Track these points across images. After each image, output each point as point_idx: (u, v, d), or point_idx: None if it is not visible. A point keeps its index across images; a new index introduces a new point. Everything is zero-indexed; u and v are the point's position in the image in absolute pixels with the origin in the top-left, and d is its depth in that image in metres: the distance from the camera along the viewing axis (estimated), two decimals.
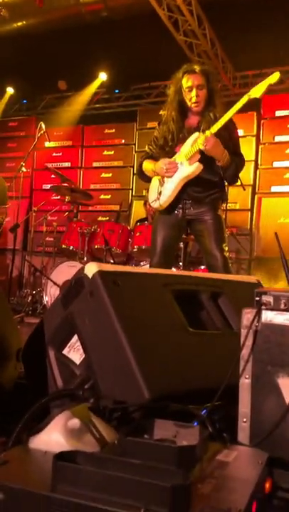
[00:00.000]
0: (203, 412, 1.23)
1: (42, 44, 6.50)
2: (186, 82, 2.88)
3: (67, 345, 1.46)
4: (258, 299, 1.21)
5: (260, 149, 5.97)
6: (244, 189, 4.61)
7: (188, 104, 2.93)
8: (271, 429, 1.12)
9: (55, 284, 5.00)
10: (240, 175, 4.20)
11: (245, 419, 1.18)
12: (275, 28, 5.62)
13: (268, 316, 1.18)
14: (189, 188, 2.97)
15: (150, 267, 3.06)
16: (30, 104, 7.90)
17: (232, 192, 4.99)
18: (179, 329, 1.42)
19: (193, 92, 2.87)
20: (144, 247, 5.10)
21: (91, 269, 1.37)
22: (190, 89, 2.88)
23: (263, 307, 1.20)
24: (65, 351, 1.47)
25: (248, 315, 1.19)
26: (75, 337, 1.43)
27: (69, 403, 1.29)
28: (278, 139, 5.86)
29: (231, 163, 2.91)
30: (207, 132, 2.79)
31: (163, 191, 3.01)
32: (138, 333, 1.29)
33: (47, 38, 6.50)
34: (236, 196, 5.66)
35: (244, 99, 2.72)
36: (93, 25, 6.41)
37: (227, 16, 5.81)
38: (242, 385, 1.18)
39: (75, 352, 1.44)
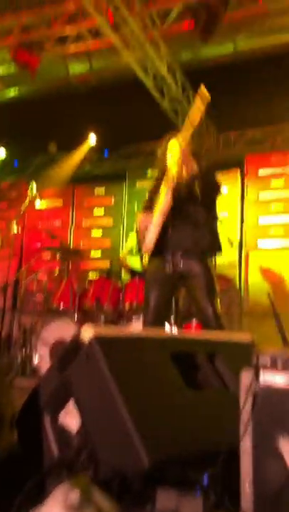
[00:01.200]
0: (205, 478, 1.21)
1: (33, 109, 6.76)
2: (169, 150, 3.02)
3: (64, 411, 1.44)
4: (256, 360, 1.22)
5: (245, 206, 6.14)
6: (231, 245, 4.72)
7: (171, 171, 3.07)
8: (274, 497, 1.09)
9: (45, 344, 4.93)
10: (227, 231, 4.28)
11: (248, 485, 1.15)
12: (254, 92, 5.95)
13: (267, 377, 1.19)
14: (178, 242, 2.97)
15: (144, 324, 3.04)
16: (22, 165, 8.10)
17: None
18: (178, 392, 1.41)
19: (175, 160, 2.99)
20: (135, 303, 5.09)
21: (87, 333, 1.38)
22: (171, 157, 3.00)
23: (261, 368, 1.21)
24: (61, 417, 1.45)
25: (246, 377, 1.20)
26: (72, 402, 1.41)
27: (66, 473, 1.26)
28: (262, 196, 6.05)
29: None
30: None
31: (147, 235, 3.02)
32: (136, 398, 1.28)
33: (38, 103, 6.78)
34: (224, 252, 5.74)
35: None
36: (83, 92, 6.73)
37: (209, 82, 6.11)
38: (243, 449, 1.17)
39: (71, 418, 1.42)
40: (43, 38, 5.24)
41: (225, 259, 5.87)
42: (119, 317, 5.50)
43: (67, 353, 1.44)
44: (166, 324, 4.27)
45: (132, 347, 1.43)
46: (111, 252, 6.80)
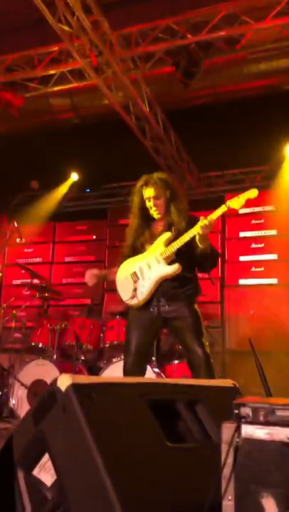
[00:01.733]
0: None
1: (16, 146, 6.81)
2: (144, 193, 3.07)
3: (38, 465, 1.37)
4: (237, 411, 1.19)
5: (225, 244, 6.19)
6: (213, 283, 4.72)
7: (150, 212, 3.09)
8: None
9: (22, 384, 4.80)
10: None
11: None
12: (233, 134, 6.10)
13: (248, 430, 1.15)
14: (164, 285, 2.98)
15: (124, 366, 2.99)
16: (3, 202, 8.09)
17: (202, 285, 5.08)
18: (157, 444, 1.36)
19: (151, 202, 3.04)
20: (116, 342, 5.03)
21: (64, 381, 1.33)
22: (148, 199, 3.06)
23: (243, 420, 1.18)
24: (35, 472, 1.38)
25: (227, 430, 1.16)
26: (46, 456, 1.34)
27: None
28: (243, 234, 6.12)
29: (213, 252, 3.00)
30: (205, 221, 2.86)
31: (139, 288, 3.02)
32: (114, 453, 1.23)
33: (21, 141, 6.84)
34: (206, 289, 5.74)
35: (223, 209, 2.89)
36: (65, 131, 6.82)
37: (190, 123, 6.30)
38: (225, 507, 1.12)
39: (45, 472, 1.35)
40: (26, 79, 5.32)
41: (206, 297, 5.87)
42: (100, 356, 5.40)
43: (42, 403, 1.38)
44: (148, 367, 4.21)
45: (111, 395, 1.38)
46: (91, 289, 6.74)
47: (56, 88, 5.56)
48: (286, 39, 4.79)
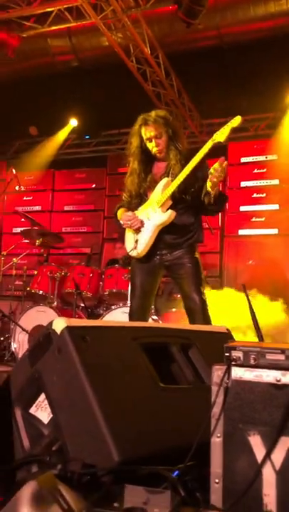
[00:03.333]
0: (175, 473, 1.20)
1: (14, 91, 6.61)
2: (144, 133, 2.92)
3: (35, 404, 1.42)
4: (227, 354, 1.21)
5: (227, 194, 6.12)
6: (212, 233, 4.71)
7: (152, 153, 2.98)
8: (243, 492, 1.09)
9: (23, 330, 4.89)
10: (209, 218, 4.25)
11: (217, 480, 1.15)
12: (237, 79, 5.90)
13: (238, 372, 1.18)
14: (165, 236, 2.96)
15: (130, 310, 3.05)
16: (1, 148, 7.94)
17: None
18: (150, 385, 1.40)
19: (153, 143, 2.91)
20: (114, 290, 5.08)
21: (59, 324, 1.35)
22: (149, 140, 2.92)
23: (233, 363, 1.20)
24: (32, 410, 1.42)
25: (218, 372, 1.19)
26: (43, 395, 1.39)
27: (37, 467, 1.24)
28: (244, 184, 6.04)
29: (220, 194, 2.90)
30: (173, 184, 2.80)
31: (139, 240, 3.01)
32: (107, 392, 1.26)
33: (19, 85, 6.63)
34: (205, 239, 5.74)
35: (209, 144, 2.78)
36: (64, 74, 6.60)
37: (193, 67, 6.07)
38: (213, 444, 1.16)
39: (42, 411, 1.39)
40: (22, 17, 5.08)
41: (206, 247, 5.88)
42: (99, 303, 5.48)
43: (38, 344, 1.41)
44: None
45: (105, 338, 1.41)
46: (91, 237, 6.75)
47: (54, 28, 5.33)
48: None
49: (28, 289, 5.45)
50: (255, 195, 5.98)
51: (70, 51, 6.27)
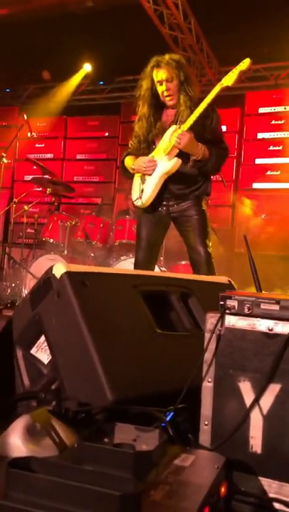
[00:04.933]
0: (169, 415, 1.25)
1: (26, 33, 6.40)
2: (156, 76, 2.82)
3: (35, 345, 1.46)
4: (222, 303, 1.22)
5: (242, 146, 5.99)
6: (225, 185, 4.65)
7: (162, 98, 2.89)
8: (231, 433, 1.13)
9: (34, 277, 4.97)
10: (222, 170, 4.17)
11: (206, 422, 1.19)
12: (259, 25, 5.62)
13: (231, 320, 1.19)
14: (171, 186, 2.92)
15: (135, 262, 3.05)
16: (14, 93, 7.80)
17: (214, 187, 5.01)
18: (147, 331, 1.43)
19: (164, 86, 2.82)
20: (125, 241, 5.09)
21: (59, 269, 1.37)
22: (160, 83, 2.82)
23: (227, 311, 1.21)
24: (33, 351, 1.47)
25: (211, 319, 1.20)
26: (43, 337, 1.43)
27: (36, 402, 1.30)
28: (261, 135, 5.89)
29: (210, 155, 2.86)
30: (178, 130, 2.76)
31: (145, 189, 2.98)
32: (104, 335, 1.29)
33: (31, 27, 6.40)
34: (218, 192, 5.67)
35: (216, 89, 2.68)
36: (78, 16, 6.34)
37: (213, 10, 5.79)
38: (204, 388, 1.20)
39: (42, 352, 1.44)
40: None
41: (218, 200, 5.83)
42: (109, 254, 5.52)
43: (39, 288, 1.44)
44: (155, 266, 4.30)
45: (105, 284, 1.43)
46: (103, 187, 6.71)
47: None
48: None
49: (40, 237, 5.50)
50: (271, 147, 5.83)
51: None
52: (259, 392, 1.13)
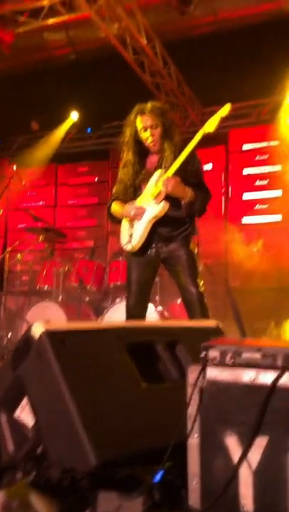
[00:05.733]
0: (159, 474, 1.20)
1: (13, 87, 6.59)
2: (140, 122, 2.89)
3: (19, 407, 1.43)
4: (203, 354, 1.20)
5: (229, 182, 6.08)
6: (213, 220, 4.69)
7: (146, 144, 2.96)
8: (220, 493, 1.09)
9: (30, 326, 4.92)
10: (211, 207, 4.21)
11: (195, 481, 1.15)
12: (238, 65, 5.80)
13: (213, 372, 1.17)
14: (160, 229, 2.95)
15: (126, 307, 3.04)
16: (4, 145, 7.95)
17: (205, 224, 5.04)
18: (132, 386, 1.39)
19: (148, 132, 2.88)
20: (119, 283, 5.08)
21: (37, 329, 1.35)
22: (144, 129, 2.88)
23: (209, 362, 1.19)
24: (16, 413, 1.43)
25: (193, 373, 1.18)
26: (26, 399, 1.39)
27: (20, 470, 1.25)
28: (246, 171, 5.98)
29: (196, 197, 2.91)
30: (164, 175, 2.82)
31: (134, 233, 3.00)
32: (86, 395, 1.26)
33: (18, 81, 6.60)
34: (209, 228, 5.71)
35: (198, 136, 2.76)
36: (63, 67, 6.55)
37: (191, 55, 5.99)
38: (190, 445, 1.16)
39: (26, 414, 1.40)
40: (15, 12, 5.05)
41: (210, 236, 5.85)
42: (104, 297, 5.49)
43: (18, 349, 1.42)
44: (151, 305, 4.28)
45: (86, 341, 1.41)
46: (95, 231, 6.75)
47: (50, 21, 5.29)
48: None
49: (34, 284, 5.49)
50: (258, 182, 5.92)
51: (67, 44, 6.21)
52: (246, 447, 1.10)
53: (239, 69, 5.81)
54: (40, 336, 1.33)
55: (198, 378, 1.15)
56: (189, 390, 1.16)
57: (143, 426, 1.32)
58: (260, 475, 1.08)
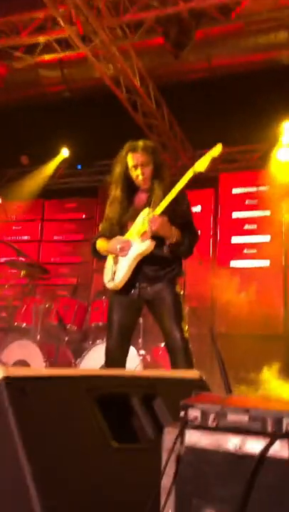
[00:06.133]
0: None
1: (5, 121, 6.59)
2: (131, 160, 2.84)
3: None
4: (182, 414, 1.04)
5: (217, 225, 6.03)
6: (200, 263, 4.58)
7: (136, 182, 2.89)
8: None
9: (4, 365, 4.68)
10: (199, 249, 4.11)
11: None
12: (230, 111, 5.87)
13: (193, 437, 1.01)
14: (145, 267, 2.85)
15: (106, 349, 2.89)
16: None
17: (192, 265, 4.92)
18: (100, 445, 1.22)
19: (138, 171, 2.82)
20: (100, 323, 4.90)
21: None
22: (135, 167, 2.83)
23: (189, 424, 1.03)
24: None
25: (169, 435, 1.01)
26: None
27: None
28: (236, 215, 5.94)
29: (183, 238, 2.81)
30: (151, 214, 2.73)
31: (117, 271, 2.89)
32: (45, 457, 1.09)
33: (10, 115, 6.61)
34: (196, 270, 5.60)
35: (189, 174, 2.69)
36: (56, 104, 6.59)
37: (184, 98, 6.06)
38: None
39: None
40: (11, 47, 5.07)
41: (197, 279, 5.74)
42: (84, 338, 5.28)
43: None
44: (132, 349, 4.10)
45: (50, 391, 1.23)
46: (80, 268, 6.61)
47: (45, 58, 5.33)
48: (284, 8, 4.54)
49: (12, 321, 5.27)
50: (246, 226, 5.87)
51: (61, 82, 6.26)
52: None
53: (231, 115, 5.88)
54: None
55: (175, 443, 0.98)
56: (164, 456, 1.00)
57: (113, 493, 1.13)
58: None
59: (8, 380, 1.17)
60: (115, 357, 2.83)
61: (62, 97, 6.51)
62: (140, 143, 2.88)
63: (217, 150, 2.67)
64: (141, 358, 4.50)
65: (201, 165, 2.67)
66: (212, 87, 5.93)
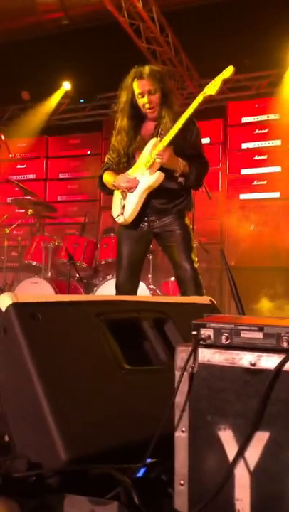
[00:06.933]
0: (142, 471, 1.03)
1: (3, 55, 6.30)
2: (137, 88, 2.70)
3: None
4: (195, 332, 1.02)
5: (227, 157, 5.85)
6: (210, 198, 4.48)
7: (143, 110, 2.76)
8: (211, 496, 0.92)
9: None
10: (208, 182, 3.98)
11: (182, 482, 0.98)
12: (239, 36, 5.54)
13: (206, 354, 0.99)
14: (154, 200, 2.80)
15: (116, 282, 2.90)
16: None
17: (200, 200, 4.82)
18: (112, 368, 1.22)
19: (146, 98, 2.70)
20: (110, 260, 4.91)
21: (4, 301, 1.16)
22: (142, 95, 2.71)
23: (201, 343, 1.01)
24: None
25: (182, 354, 1.00)
26: None
27: None
28: (245, 145, 5.75)
29: (190, 169, 2.72)
30: (159, 145, 2.63)
31: (126, 205, 2.84)
32: (58, 379, 1.08)
33: (8, 48, 6.31)
34: (205, 205, 5.52)
35: (199, 98, 2.57)
36: (54, 35, 6.26)
37: (190, 23, 5.71)
38: (177, 439, 0.99)
39: None
40: None
41: (205, 213, 5.66)
42: (95, 274, 5.32)
43: None
44: (142, 284, 4.12)
45: (61, 315, 1.22)
46: (87, 206, 6.54)
47: None
48: None
49: (23, 260, 5.30)
50: (256, 157, 5.69)
51: (58, 9, 5.91)
52: (243, 443, 0.93)
53: (239, 40, 5.55)
54: (7, 308, 1.14)
55: (187, 361, 0.97)
56: (177, 374, 0.99)
57: (124, 416, 1.14)
58: (259, 476, 0.92)
59: (17, 306, 1.16)
60: (125, 290, 2.84)
61: (61, 25, 6.17)
62: (146, 69, 2.73)
63: (229, 72, 2.53)
64: (151, 292, 4.54)
65: (213, 88, 2.54)
66: (218, 11, 5.56)
